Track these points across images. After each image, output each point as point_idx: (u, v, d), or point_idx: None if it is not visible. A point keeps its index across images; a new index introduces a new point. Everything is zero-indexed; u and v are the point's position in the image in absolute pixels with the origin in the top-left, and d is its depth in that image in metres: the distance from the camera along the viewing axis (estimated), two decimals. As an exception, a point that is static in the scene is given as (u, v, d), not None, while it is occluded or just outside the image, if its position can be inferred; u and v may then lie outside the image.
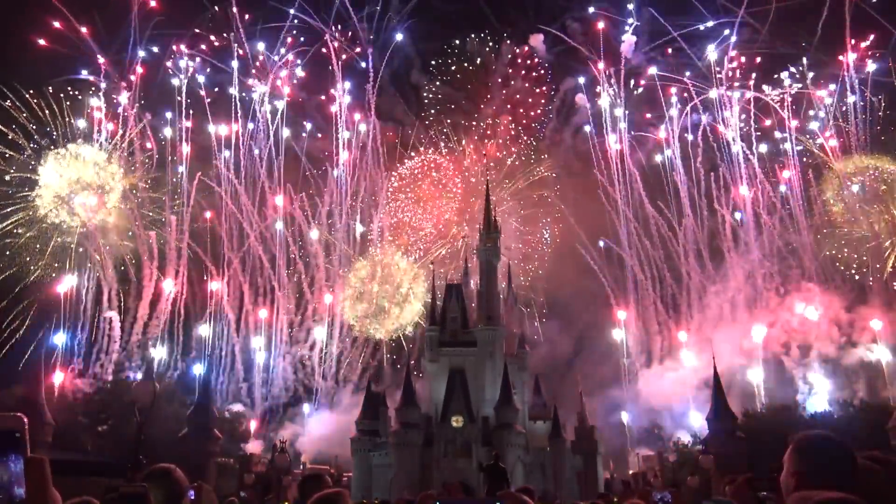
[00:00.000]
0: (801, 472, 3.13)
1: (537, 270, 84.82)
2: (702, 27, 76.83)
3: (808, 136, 77.79)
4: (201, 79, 78.67)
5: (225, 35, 78.99)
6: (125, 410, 41.26)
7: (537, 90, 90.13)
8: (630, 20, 79.88)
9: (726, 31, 76.20)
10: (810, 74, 76.67)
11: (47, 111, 71.49)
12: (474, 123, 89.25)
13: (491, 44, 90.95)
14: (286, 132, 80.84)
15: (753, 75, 77.82)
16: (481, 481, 25.65)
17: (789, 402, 57.71)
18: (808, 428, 3.74)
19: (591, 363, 74.44)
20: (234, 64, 79.26)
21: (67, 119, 72.10)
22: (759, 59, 77.29)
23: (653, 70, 79.81)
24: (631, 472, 59.74)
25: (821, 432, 3.25)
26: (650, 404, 68.11)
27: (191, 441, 46.37)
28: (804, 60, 75.86)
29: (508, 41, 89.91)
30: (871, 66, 73.18)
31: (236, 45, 78.91)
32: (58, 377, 58.29)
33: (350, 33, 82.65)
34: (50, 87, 70.84)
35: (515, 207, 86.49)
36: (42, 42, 69.97)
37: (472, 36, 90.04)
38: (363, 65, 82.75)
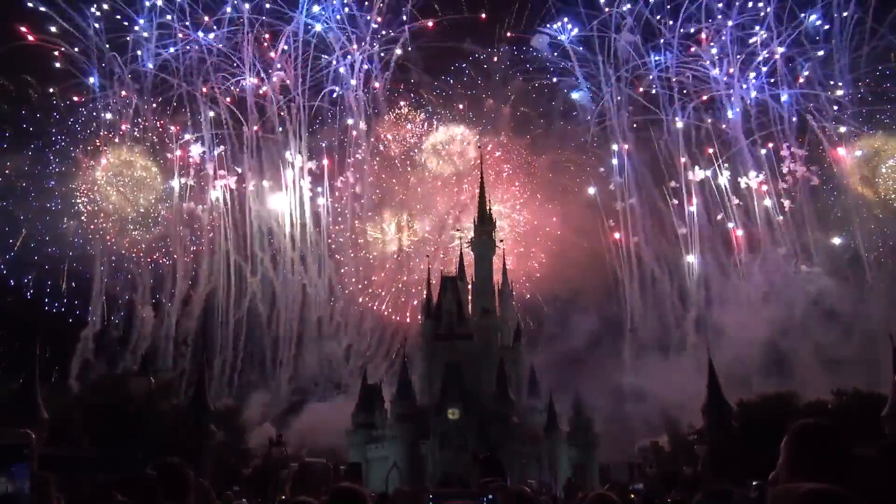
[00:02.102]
0: (794, 461, 3.10)
1: (540, 263, 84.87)
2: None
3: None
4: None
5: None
6: (122, 405, 41.22)
7: (538, 86, 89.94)
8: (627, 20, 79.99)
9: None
10: None
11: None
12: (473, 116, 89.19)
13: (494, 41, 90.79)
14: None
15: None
16: (477, 473, 25.66)
17: (784, 391, 57.95)
18: (803, 417, 3.69)
19: (599, 355, 74.74)
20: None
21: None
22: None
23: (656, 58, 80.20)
24: (629, 462, 59.99)
25: (818, 421, 3.20)
26: (657, 395, 68.37)
27: (186, 436, 46.40)
28: None
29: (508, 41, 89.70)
30: None
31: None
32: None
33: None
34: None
35: (517, 200, 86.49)
36: None
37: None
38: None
